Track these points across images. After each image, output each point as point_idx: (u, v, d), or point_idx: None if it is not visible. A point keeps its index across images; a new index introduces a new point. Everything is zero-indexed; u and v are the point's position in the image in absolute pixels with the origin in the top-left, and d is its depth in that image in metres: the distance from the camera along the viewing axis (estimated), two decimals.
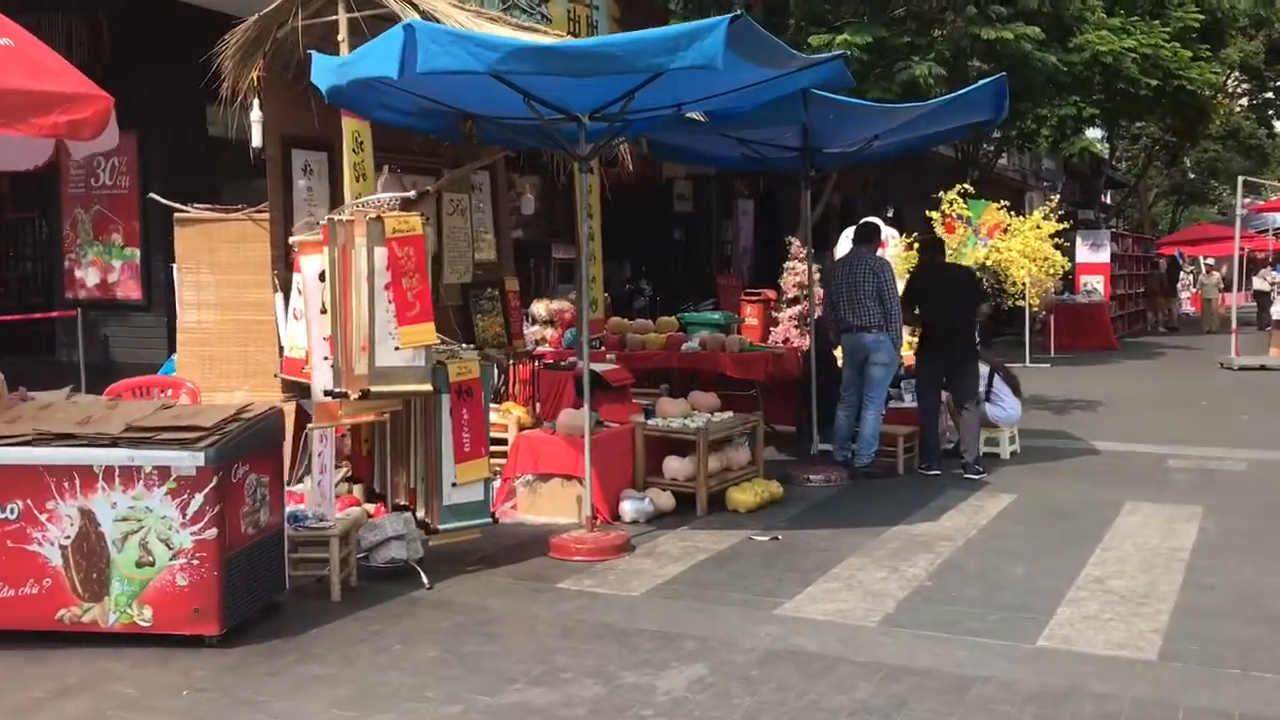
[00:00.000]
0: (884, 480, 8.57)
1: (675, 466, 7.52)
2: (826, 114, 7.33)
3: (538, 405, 8.00)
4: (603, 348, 10.16)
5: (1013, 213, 11.64)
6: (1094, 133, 24.05)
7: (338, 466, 6.26)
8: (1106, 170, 42.25)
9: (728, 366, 9.63)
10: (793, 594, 5.68)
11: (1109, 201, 46.87)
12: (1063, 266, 11.45)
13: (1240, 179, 17.14)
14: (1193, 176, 49.22)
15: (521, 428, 7.63)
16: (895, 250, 12.00)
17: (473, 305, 9.93)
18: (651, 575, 6.02)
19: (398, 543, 5.79)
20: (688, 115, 7.62)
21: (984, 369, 9.38)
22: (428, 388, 5.67)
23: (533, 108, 6.11)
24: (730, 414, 7.99)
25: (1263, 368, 16.47)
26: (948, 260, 9.31)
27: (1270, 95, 40.58)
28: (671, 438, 7.56)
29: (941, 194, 11.47)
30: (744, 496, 7.49)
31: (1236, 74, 36.79)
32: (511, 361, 7.88)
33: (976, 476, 8.65)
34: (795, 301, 13.38)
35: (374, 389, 5.54)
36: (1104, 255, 22.23)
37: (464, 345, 6.44)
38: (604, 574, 6.05)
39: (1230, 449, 9.75)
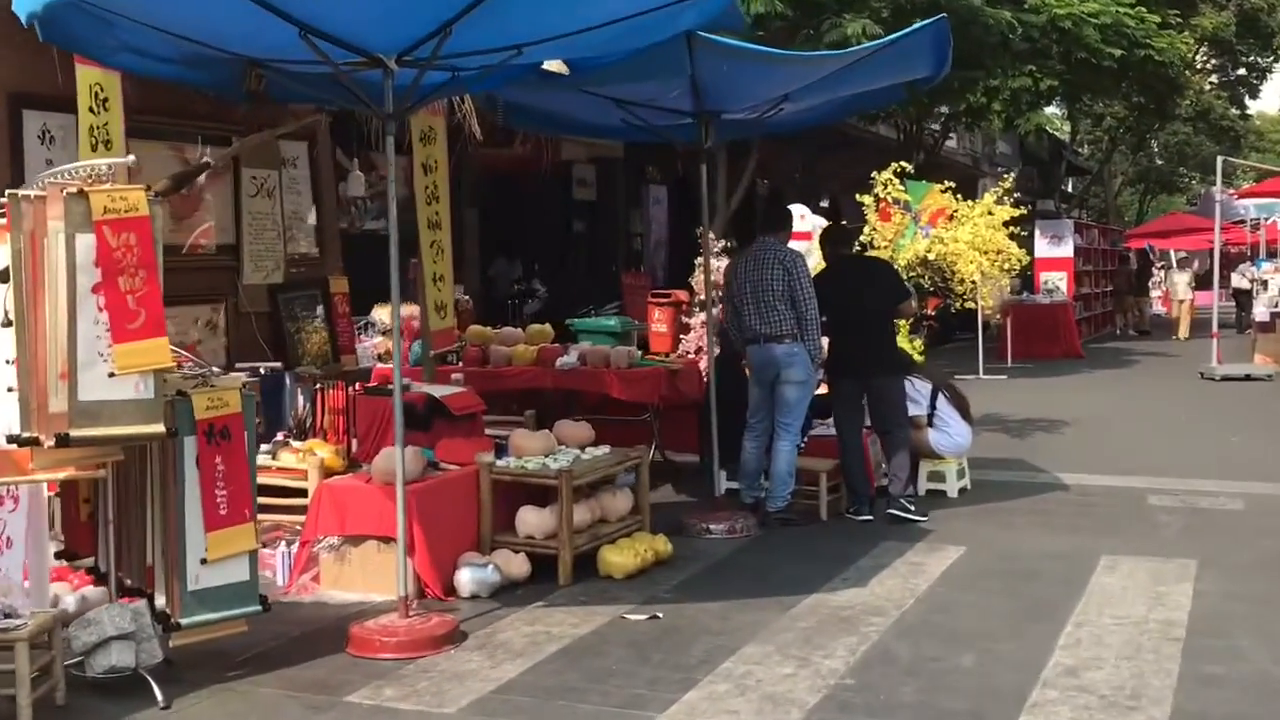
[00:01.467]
0: (803, 529, 7.61)
1: (532, 521, 6.47)
2: (719, 65, 6.35)
3: (354, 443, 6.90)
4: (459, 363, 9.10)
5: (960, 197, 10.77)
6: (1053, 111, 23.42)
7: (51, 538, 5.12)
8: (1068, 155, 42.18)
9: (613, 386, 8.63)
10: (667, 704, 4.66)
11: (1071, 190, 46.88)
12: (1020, 261, 10.59)
13: (1220, 159, 16.58)
14: (1161, 162, 49.47)
15: (329, 474, 6.52)
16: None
17: (285, 312, 8.82)
18: (480, 679, 4.96)
19: (122, 644, 4.67)
20: (546, 68, 6.59)
21: (926, 388, 8.48)
22: (158, 429, 4.55)
23: (312, 44, 5.03)
24: (607, 449, 6.96)
25: (1248, 377, 15.89)
26: (864, 254, 8.39)
27: (1243, 72, 40.88)
28: (528, 483, 6.51)
29: (875, 175, 10.58)
30: (620, 558, 6.46)
31: (1205, 49, 36.87)
32: (320, 385, 6.78)
33: (912, 517, 7.75)
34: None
35: (76, 433, 4.40)
36: (1067, 249, 21.66)
37: (213, 370, 5.31)
38: (415, 679, 4.97)
39: (1222, 480, 8.95)
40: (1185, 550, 6.94)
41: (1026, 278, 23.39)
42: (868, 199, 10.70)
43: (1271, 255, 25.22)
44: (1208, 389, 15.29)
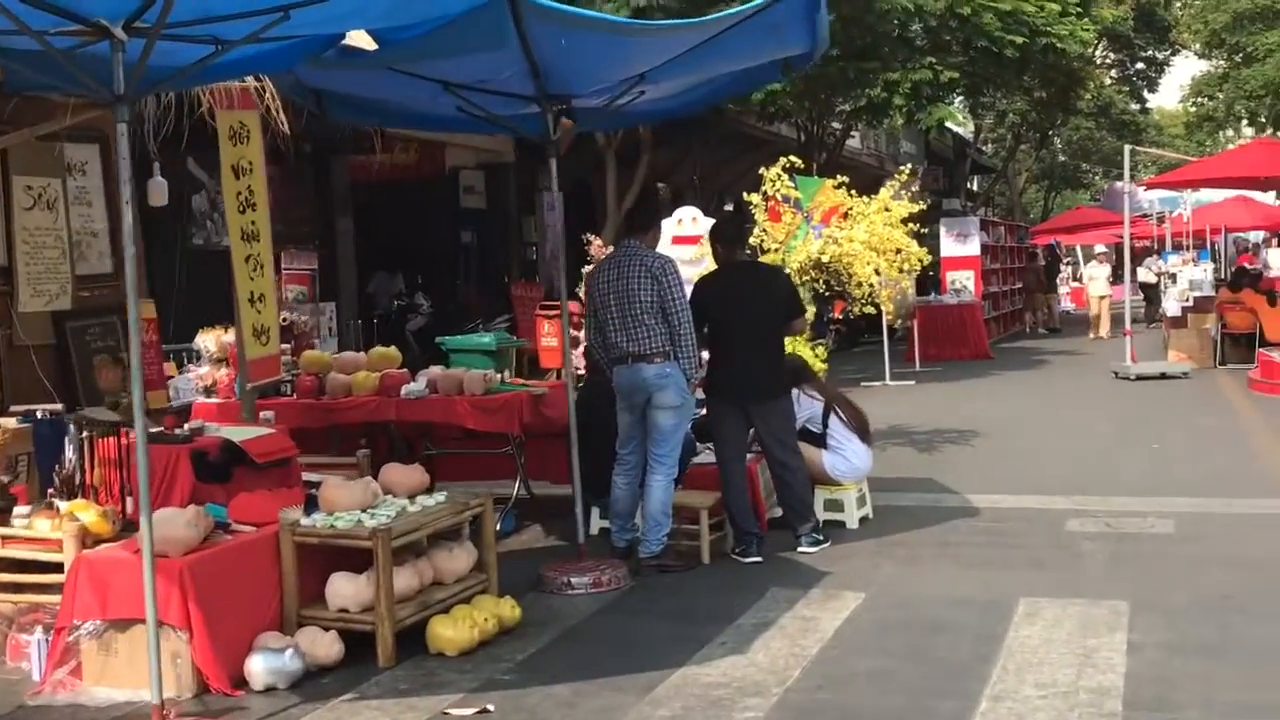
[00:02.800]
0: (681, 576, 6.57)
1: (345, 591, 5.35)
2: (555, 38, 5.29)
3: (129, 502, 5.71)
4: (293, 395, 7.96)
5: (854, 193, 9.81)
6: (957, 105, 22.74)
7: None
8: (972, 153, 41.86)
9: (466, 417, 7.53)
10: None
11: (976, 188, 46.64)
12: (921, 260, 9.66)
13: (1128, 148, 15.91)
14: (1064, 159, 49.47)
15: (96, 541, 5.33)
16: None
17: (75, 344, 7.59)
18: None
19: None
20: (349, 43, 5.49)
21: (817, 405, 7.50)
22: None
23: (3, 9, 3.88)
24: (442, 497, 5.86)
25: (1163, 376, 15.19)
26: (755, 260, 7.38)
27: (1141, 66, 40.87)
28: (339, 545, 5.39)
29: (763, 170, 9.58)
30: (453, 631, 5.36)
31: (1104, 44, 36.70)
32: (88, 433, 5.60)
33: (813, 549, 6.79)
34: None
35: None
36: (973, 247, 20.95)
37: None
38: None
39: (1147, 497, 8.08)
40: (1114, 588, 6.01)
41: (933, 278, 22.70)
42: (755, 198, 9.72)
43: (1177, 248, 24.84)
44: (1123, 389, 14.55)
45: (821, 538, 6.98)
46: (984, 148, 45.70)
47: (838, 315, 22.19)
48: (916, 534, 7.33)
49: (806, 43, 6.03)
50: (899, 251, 9.48)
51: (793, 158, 9.65)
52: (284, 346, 8.21)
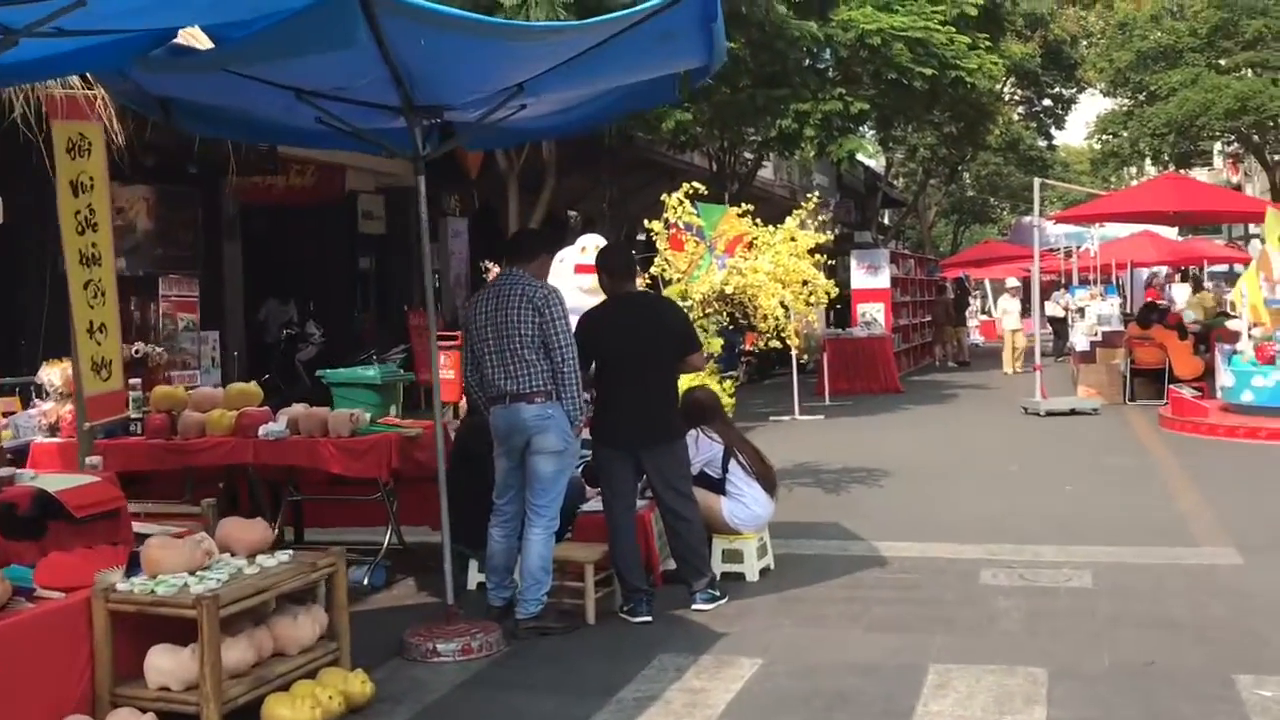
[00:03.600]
0: (562, 640, 5.93)
1: (165, 666, 4.63)
2: (412, 36, 4.65)
3: None
4: (140, 434, 7.21)
5: (758, 222, 9.29)
6: (867, 136, 22.47)
7: None
8: (883, 187, 41.98)
9: (330, 460, 6.83)
10: None
11: (887, 222, 46.78)
12: (828, 292, 9.15)
13: (1037, 181, 15.64)
14: (973, 193, 49.87)
15: None
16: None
17: None
18: None
19: None
20: (181, 41, 4.82)
21: (717, 448, 6.92)
22: None
23: None
24: (286, 557, 5.16)
25: (1072, 411, 14.89)
26: (645, 291, 6.79)
27: (1048, 103, 41.27)
28: (159, 614, 4.67)
29: (665, 197, 9.03)
30: (290, 713, 4.67)
31: (1013, 80, 36.98)
32: None
33: (708, 606, 6.21)
34: None
35: None
36: (883, 279, 20.62)
37: None
38: None
39: (1063, 546, 7.60)
40: (1031, 652, 5.49)
41: (841, 310, 22.36)
42: (657, 225, 9.16)
43: (1084, 283, 24.79)
44: (1033, 426, 14.20)
45: (718, 594, 6.39)
46: (895, 182, 45.91)
47: (749, 347, 21.81)
48: (820, 588, 6.76)
49: (702, 54, 5.46)
50: (805, 283, 8.96)
51: (696, 184, 9.11)
52: (134, 381, 7.46)
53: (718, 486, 6.90)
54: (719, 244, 9.15)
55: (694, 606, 6.31)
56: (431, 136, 6.22)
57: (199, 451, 7.00)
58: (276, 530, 7.36)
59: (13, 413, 7.90)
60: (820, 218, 26.17)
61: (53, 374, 7.60)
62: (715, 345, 13.43)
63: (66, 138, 6.39)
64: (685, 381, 7.79)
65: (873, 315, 20.37)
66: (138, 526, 5.91)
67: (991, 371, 22.32)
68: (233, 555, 5.13)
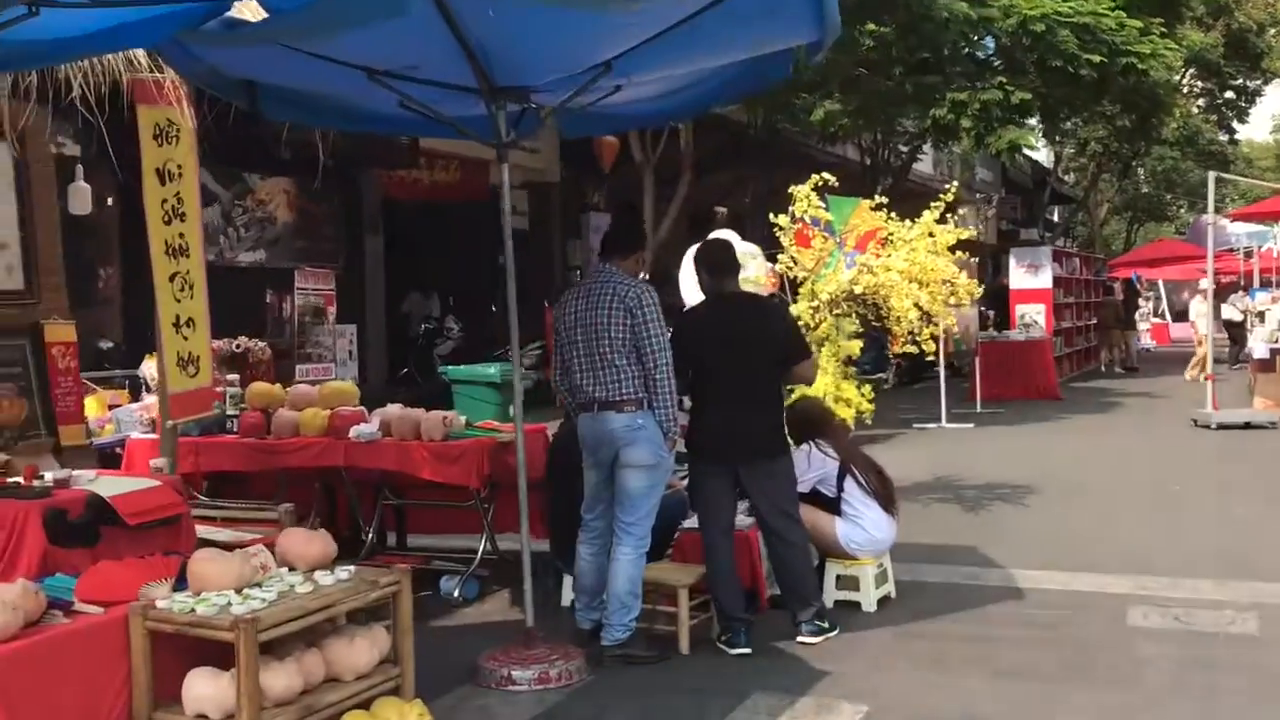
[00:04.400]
0: (650, 671, 5.41)
1: (204, 693, 4.27)
2: (478, 5, 4.19)
3: None
4: (236, 432, 6.96)
5: (893, 216, 8.60)
6: (1031, 127, 21.29)
7: None
8: (1051, 183, 40.27)
9: (421, 465, 6.46)
10: None
11: (1056, 219, 44.89)
12: (971, 293, 8.41)
13: (1212, 174, 14.47)
14: (1147, 189, 47.53)
15: None
16: (760, 277, 8.91)
17: None
18: None
19: None
20: (234, 14, 4.46)
21: (832, 465, 6.31)
22: None
23: None
24: (346, 574, 4.76)
25: (1247, 425, 13.71)
26: (749, 293, 6.19)
27: (1231, 95, 38.92)
28: (199, 635, 4.31)
29: (793, 188, 8.43)
30: None
31: (1193, 71, 35.00)
32: None
33: (814, 639, 5.63)
34: None
35: None
36: (1045, 279, 19.52)
37: None
38: None
39: (1226, 581, 6.76)
40: (1181, 712, 4.75)
41: (1001, 311, 21.29)
42: (782, 219, 8.56)
43: (1266, 284, 23.18)
44: (1202, 440, 13.09)
45: (826, 625, 5.79)
46: (1065, 177, 44.10)
47: (897, 349, 20.90)
48: (944, 622, 6.09)
49: (811, 25, 4.86)
50: (946, 282, 8.25)
51: (826, 175, 8.47)
52: (231, 377, 7.23)
53: (832, 506, 6.30)
54: (849, 239, 8.50)
55: (799, 639, 5.73)
56: (526, 122, 5.77)
57: (290, 452, 6.71)
58: (371, 535, 7.04)
59: (118, 405, 7.77)
60: (986, 214, 25.12)
61: (152, 368, 7.42)
62: (854, 348, 12.77)
63: (154, 123, 6.14)
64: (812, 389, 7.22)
65: (1032, 317, 19.31)
66: (209, 532, 5.63)
67: (1161, 378, 20.97)
68: (290, 570, 4.77)
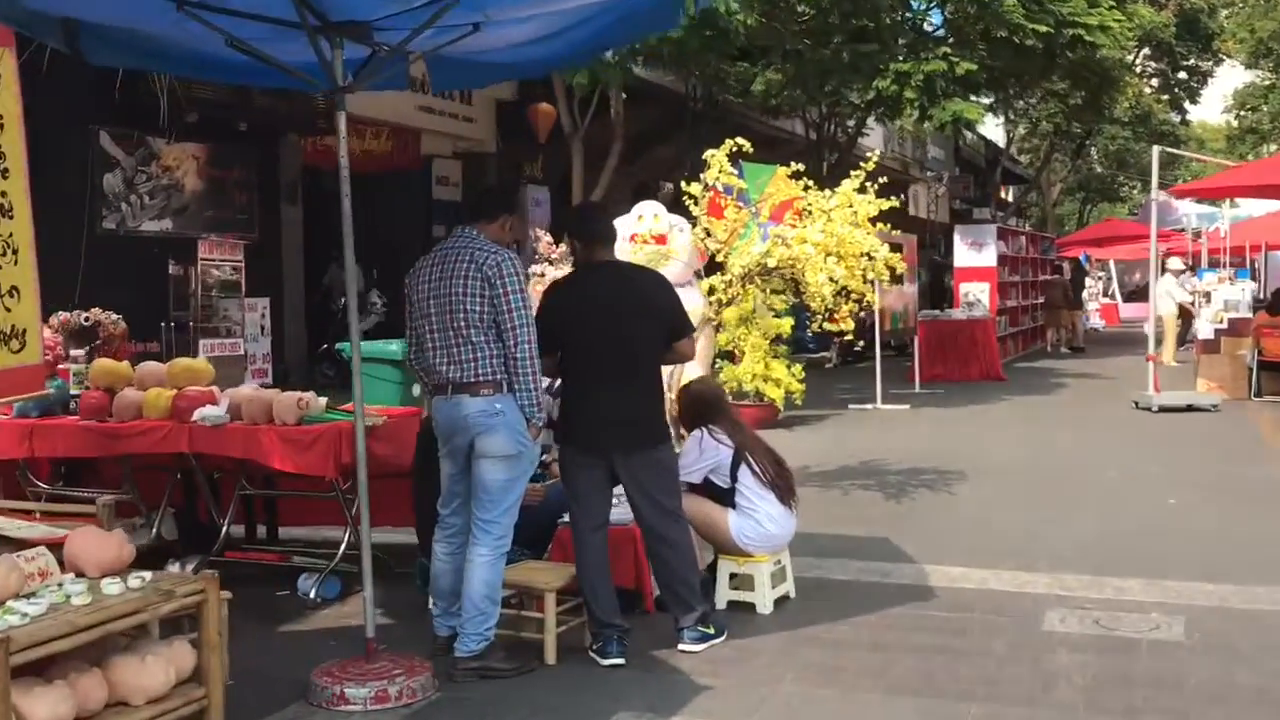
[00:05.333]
0: (507, 685, 4.80)
1: None
2: None
3: None
4: (67, 416, 6.28)
5: (810, 186, 7.97)
6: (978, 103, 20.72)
7: None
8: (1004, 161, 39.90)
9: (271, 452, 5.80)
10: None
11: (1009, 199, 44.53)
12: (889, 266, 7.78)
13: (1156, 149, 13.97)
14: (1100, 169, 47.31)
15: None
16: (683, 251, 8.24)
17: None
18: None
19: None
20: None
21: (726, 452, 5.71)
22: None
23: None
24: (140, 581, 4.10)
25: (1189, 408, 13.26)
26: (626, 263, 5.52)
27: (1183, 75, 38.63)
28: None
29: (708, 154, 7.79)
30: None
31: (1146, 51, 34.69)
32: None
33: (697, 647, 5.06)
34: None
35: None
36: (989, 257, 19.03)
37: None
38: None
39: (1154, 580, 6.22)
40: None
41: (944, 291, 20.84)
42: (694, 187, 7.93)
43: (1214, 265, 22.82)
44: (1143, 423, 12.62)
45: (711, 631, 5.20)
46: (1019, 157, 43.77)
47: (815, 328, 20.35)
48: (845, 626, 5.52)
49: None
50: (860, 256, 7.64)
51: (740, 140, 7.84)
52: (76, 353, 6.53)
53: (726, 498, 5.70)
54: (764, 209, 7.89)
55: (680, 646, 5.15)
56: (384, 69, 5.10)
57: (130, 436, 6.05)
58: (225, 528, 6.37)
59: None
60: (934, 192, 24.55)
61: None
62: (783, 326, 12.26)
63: None
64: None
65: (976, 295, 18.80)
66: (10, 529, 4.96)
67: (1107, 359, 20.55)
68: (78, 576, 4.12)
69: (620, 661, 4.97)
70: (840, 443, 11.19)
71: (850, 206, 7.74)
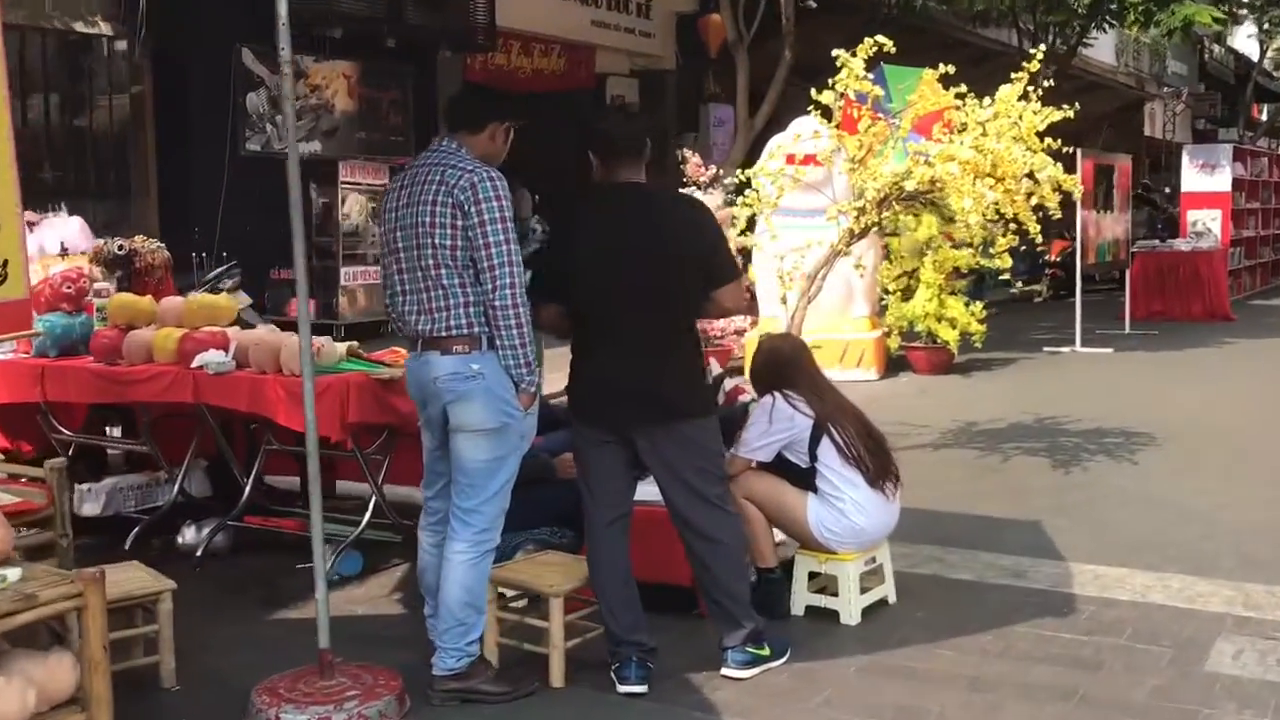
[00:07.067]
0: (494, 714, 3.82)
1: None
2: None
3: None
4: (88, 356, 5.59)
5: (970, 95, 6.54)
6: (1221, 10, 18.20)
7: None
8: (1257, 76, 36.10)
9: (276, 405, 4.94)
10: None
11: (1264, 118, 40.42)
12: (1060, 187, 6.29)
13: None
14: None
15: None
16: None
17: None
18: None
19: None
20: None
21: (802, 422, 4.52)
22: None
23: None
24: (13, 575, 3.29)
25: None
26: (659, 189, 4.28)
27: None
28: None
29: (839, 53, 6.49)
30: None
31: None
32: None
33: (743, 672, 4.01)
34: None
35: None
36: (1222, 181, 16.76)
37: None
38: None
39: None
40: None
41: (1169, 220, 18.65)
42: (826, 95, 6.64)
43: None
44: None
45: (766, 652, 4.08)
46: (1275, 72, 39.62)
47: (1054, 257, 18.47)
48: (945, 652, 4.29)
49: None
50: (1024, 178, 6.23)
51: (880, 38, 6.49)
52: (100, 286, 5.84)
53: (805, 479, 4.53)
54: (905, 119, 6.55)
55: (724, 670, 4.05)
56: None
57: (137, 382, 5.29)
58: (249, 488, 5.56)
59: None
60: (1170, 110, 21.82)
61: None
62: (961, 258, 10.73)
63: None
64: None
65: (1206, 224, 16.62)
66: None
67: None
68: None
69: (640, 689, 3.91)
70: (1020, 394, 9.72)
71: (1018, 120, 6.30)
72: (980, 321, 10.72)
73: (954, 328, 10.64)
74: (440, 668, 3.87)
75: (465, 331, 3.73)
